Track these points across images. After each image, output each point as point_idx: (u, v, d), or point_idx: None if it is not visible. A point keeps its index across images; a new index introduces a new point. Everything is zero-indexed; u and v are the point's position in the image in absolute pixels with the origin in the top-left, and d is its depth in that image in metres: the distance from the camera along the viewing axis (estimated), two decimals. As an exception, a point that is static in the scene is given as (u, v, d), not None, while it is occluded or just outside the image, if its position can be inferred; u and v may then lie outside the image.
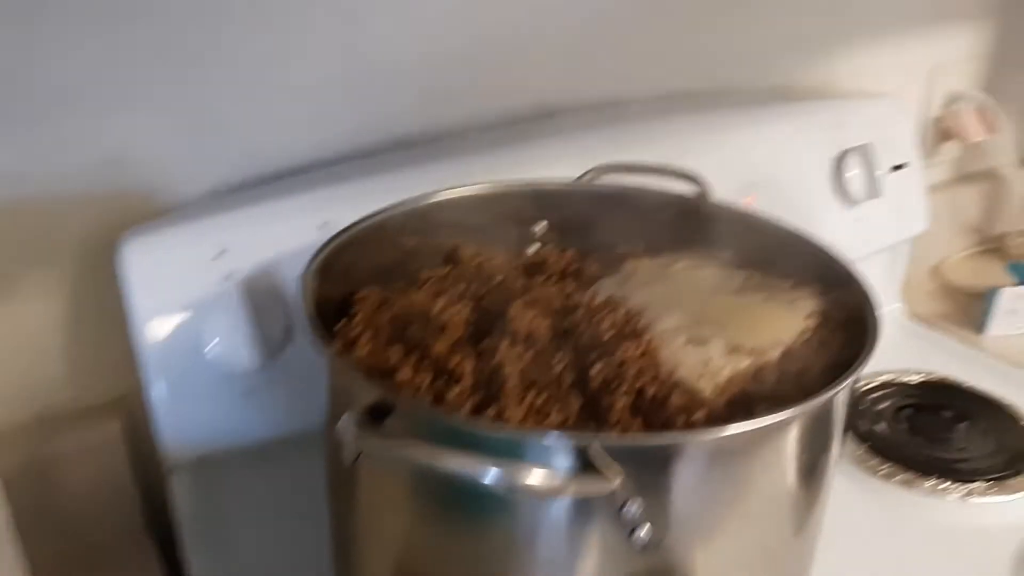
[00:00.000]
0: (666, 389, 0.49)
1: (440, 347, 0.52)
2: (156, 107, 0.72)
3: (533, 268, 0.64)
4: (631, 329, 0.55)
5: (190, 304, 0.69)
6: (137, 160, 0.72)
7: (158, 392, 0.70)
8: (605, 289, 0.60)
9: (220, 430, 0.72)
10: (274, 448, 0.72)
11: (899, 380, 0.90)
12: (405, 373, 0.49)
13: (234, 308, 0.68)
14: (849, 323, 0.55)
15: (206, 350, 0.69)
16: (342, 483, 0.53)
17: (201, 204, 0.75)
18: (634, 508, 0.42)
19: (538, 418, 0.47)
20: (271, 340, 0.69)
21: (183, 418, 0.71)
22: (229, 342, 0.68)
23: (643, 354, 0.52)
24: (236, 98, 0.74)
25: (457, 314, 0.56)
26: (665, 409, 0.48)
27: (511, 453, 0.42)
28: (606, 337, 0.53)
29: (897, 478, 0.77)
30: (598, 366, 0.51)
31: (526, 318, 0.55)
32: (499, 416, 0.47)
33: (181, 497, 0.73)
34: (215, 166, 0.76)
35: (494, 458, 0.39)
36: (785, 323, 0.53)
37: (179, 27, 0.70)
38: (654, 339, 0.53)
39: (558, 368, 0.51)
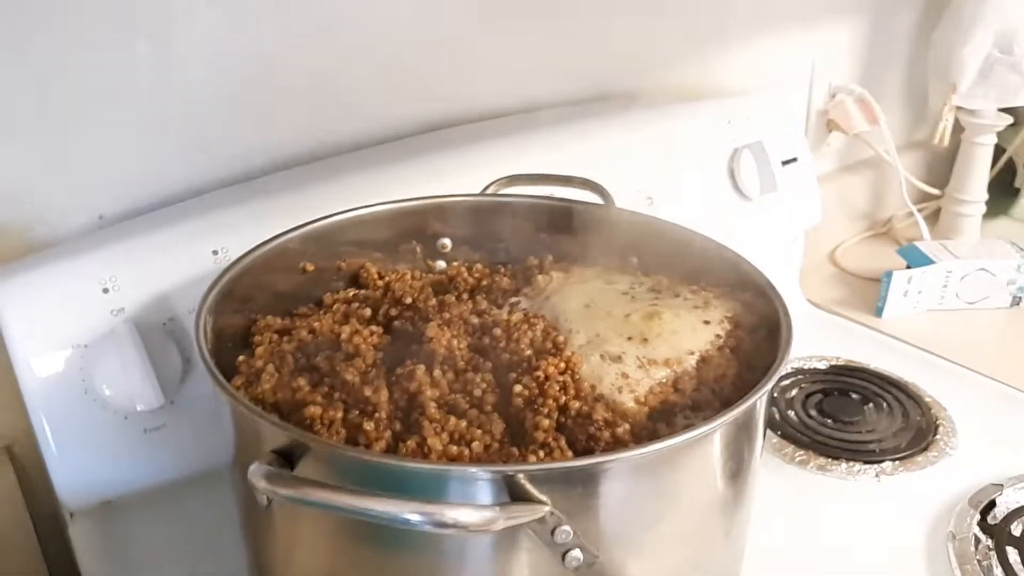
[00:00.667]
0: (589, 404, 0.48)
1: (351, 375, 0.51)
2: (26, 139, 0.67)
3: (443, 285, 0.63)
4: (551, 345, 0.54)
5: (77, 342, 0.65)
6: (7, 193, 0.68)
7: (47, 436, 0.65)
8: (519, 305, 0.58)
9: (120, 473, 0.68)
10: (180, 488, 0.69)
11: (806, 367, 0.92)
12: (315, 409, 0.47)
13: (126, 345, 0.64)
14: (760, 324, 0.55)
15: (98, 391, 0.65)
16: (256, 524, 0.51)
17: (83, 238, 0.70)
18: (566, 531, 0.41)
19: (460, 446, 0.46)
20: (169, 376, 0.65)
21: (78, 462, 0.67)
22: (122, 381, 0.64)
23: (564, 370, 0.51)
24: (109, 124, 0.70)
25: (366, 340, 0.54)
26: (589, 424, 0.47)
27: (434, 489, 0.40)
28: (526, 354, 0.53)
29: (811, 464, 0.79)
30: (520, 385, 0.50)
31: (443, 339, 0.53)
32: (419, 447, 0.46)
33: (82, 544, 0.69)
34: (96, 196, 0.72)
35: (416, 496, 0.38)
36: (697, 331, 0.53)
37: (45, 49, 0.65)
38: (574, 355, 0.52)
39: (479, 390, 0.50)
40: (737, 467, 0.48)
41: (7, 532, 0.72)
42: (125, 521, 0.69)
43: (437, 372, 0.51)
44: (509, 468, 0.40)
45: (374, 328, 0.56)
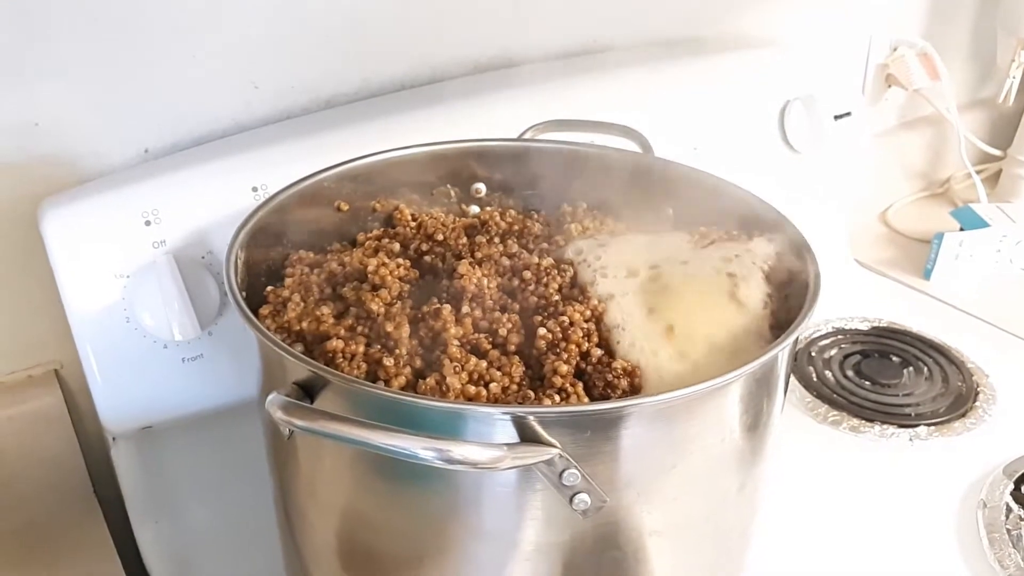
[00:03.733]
0: (610, 353, 0.48)
1: (376, 305, 0.51)
2: (76, 71, 0.68)
3: (475, 229, 0.63)
4: (579, 292, 0.54)
5: (120, 272, 0.67)
6: (58, 125, 0.69)
7: (92, 362, 0.68)
8: (552, 251, 0.58)
9: (160, 400, 0.70)
10: (216, 416, 0.71)
11: (847, 327, 0.91)
12: (337, 342, 0.48)
13: (166, 276, 0.65)
14: (792, 278, 0.54)
15: (139, 320, 0.67)
16: (281, 454, 0.52)
17: (128, 170, 0.72)
18: (574, 474, 0.41)
19: (479, 386, 0.47)
20: (206, 308, 0.67)
21: (120, 388, 0.69)
22: (162, 311, 0.66)
23: (590, 318, 0.51)
24: (159, 60, 0.71)
25: (392, 272, 0.55)
26: (608, 371, 0.48)
27: (447, 427, 0.41)
28: (553, 299, 0.53)
29: (844, 424, 0.78)
30: (545, 328, 0.50)
31: (474, 276, 0.54)
32: (439, 384, 0.46)
33: (124, 467, 0.72)
34: (141, 131, 0.73)
35: (430, 432, 0.38)
36: (724, 308, 0.52)
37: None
38: (600, 303, 0.52)
39: (505, 329, 0.51)
40: (754, 421, 0.47)
41: (56, 451, 0.75)
42: (164, 446, 0.72)
43: (465, 308, 0.51)
44: (519, 410, 0.40)
45: (401, 261, 0.57)
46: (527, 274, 0.55)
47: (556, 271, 0.55)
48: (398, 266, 0.56)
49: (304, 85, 0.78)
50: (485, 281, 0.54)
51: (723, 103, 0.88)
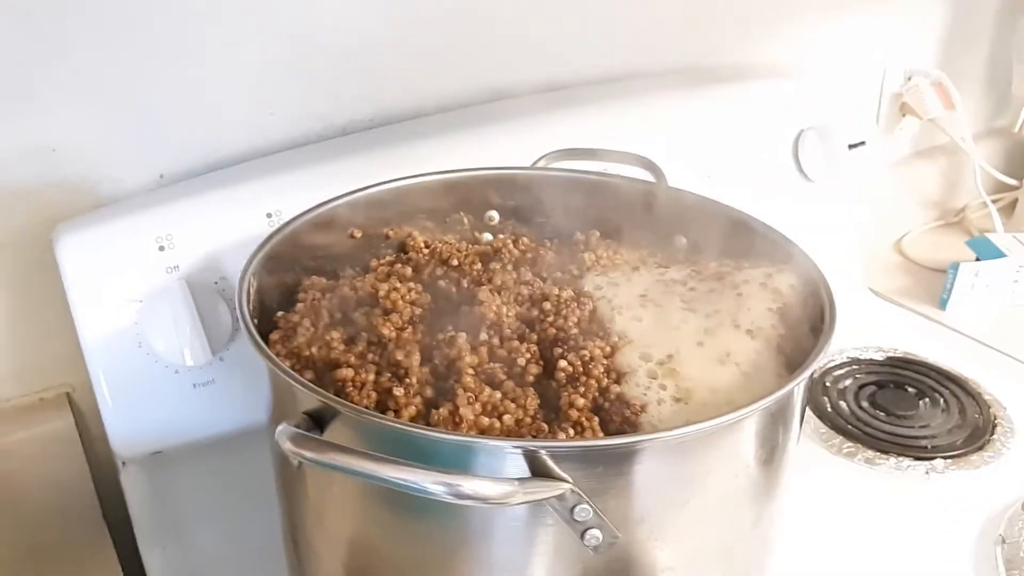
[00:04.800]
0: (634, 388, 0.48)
1: (387, 330, 0.51)
2: (92, 97, 0.69)
3: (488, 257, 0.62)
4: (598, 327, 0.54)
5: (133, 297, 0.67)
6: (73, 150, 0.70)
7: (103, 387, 0.68)
8: (570, 283, 0.58)
9: (170, 425, 0.70)
10: (226, 442, 0.71)
11: (863, 357, 0.90)
12: (347, 371, 0.48)
13: (179, 301, 0.66)
14: (809, 309, 0.54)
15: (151, 344, 0.67)
16: (290, 483, 0.52)
17: (143, 195, 0.72)
18: (586, 510, 0.41)
19: (492, 418, 0.46)
20: (218, 334, 0.67)
21: (131, 413, 0.69)
22: (174, 336, 0.66)
23: (610, 354, 0.51)
24: (175, 86, 0.71)
25: (404, 296, 0.55)
26: (626, 408, 0.47)
27: (457, 459, 0.41)
28: (572, 332, 0.53)
29: (859, 456, 0.77)
30: (566, 361, 0.50)
31: (494, 304, 0.54)
32: (452, 415, 0.46)
33: (133, 492, 0.72)
34: (158, 156, 0.73)
35: (440, 464, 0.38)
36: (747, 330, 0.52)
37: (114, 13, 0.67)
38: (620, 341, 0.52)
39: (523, 359, 0.50)
40: (769, 456, 0.47)
41: (65, 474, 0.74)
42: (174, 471, 0.72)
43: (483, 336, 0.51)
44: (531, 444, 0.40)
45: (412, 285, 0.56)
46: (547, 305, 0.55)
47: (576, 304, 0.55)
48: (409, 290, 0.56)
49: (319, 112, 0.79)
50: (504, 309, 0.54)
51: (737, 132, 0.88)
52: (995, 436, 0.80)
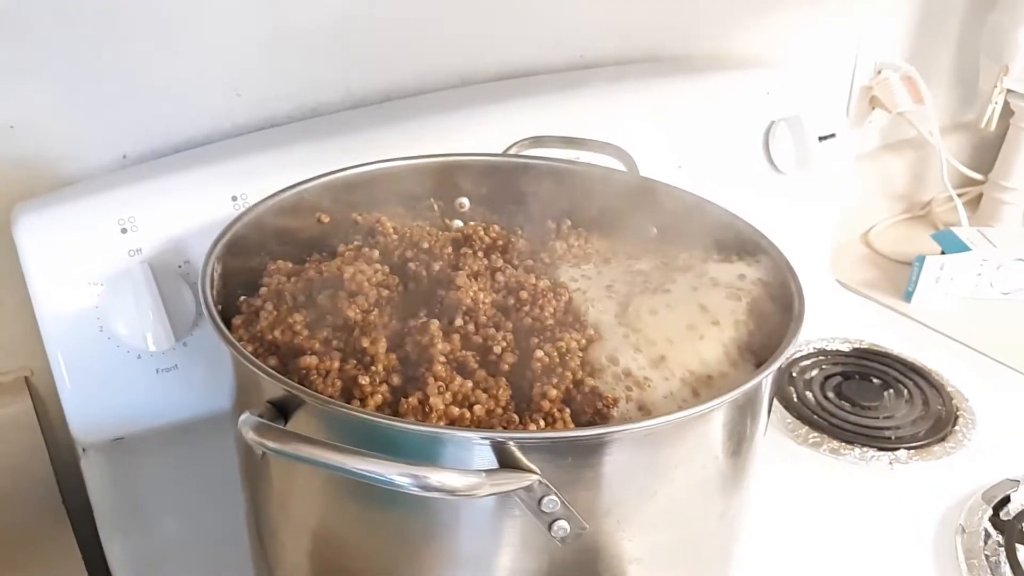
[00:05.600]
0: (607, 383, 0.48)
1: (352, 312, 0.50)
2: (56, 73, 0.67)
3: (458, 244, 0.62)
4: (573, 319, 0.53)
5: (94, 280, 0.65)
6: (33, 127, 0.68)
7: (63, 371, 0.66)
8: (545, 272, 0.58)
9: (132, 411, 0.69)
10: (189, 429, 0.70)
11: (829, 348, 0.91)
12: (311, 358, 0.47)
13: (142, 285, 0.64)
14: (778, 301, 0.54)
15: (112, 329, 0.65)
16: (254, 472, 0.51)
17: (105, 175, 0.71)
18: (553, 501, 0.41)
19: (463, 408, 0.46)
20: (181, 319, 0.66)
21: (91, 398, 0.68)
22: (136, 321, 0.64)
23: (585, 347, 0.51)
24: (139, 64, 0.70)
25: (370, 277, 0.54)
26: (598, 399, 0.47)
27: (424, 450, 0.40)
28: (548, 323, 0.52)
29: (824, 447, 0.78)
30: (542, 351, 0.49)
31: (471, 290, 0.53)
32: (421, 404, 0.45)
33: (94, 478, 0.71)
34: (119, 136, 0.72)
35: (406, 455, 0.38)
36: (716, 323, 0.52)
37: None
38: (595, 332, 0.52)
39: (499, 347, 0.50)
40: (736, 448, 0.47)
41: (23, 459, 0.73)
42: (135, 458, 0.71)
43: (459, 322, 0.50)
44: (499, 435, 0.39)
45: (379, 266, 0.55)
46: (523, 294, 0.54)
47: (552, 294, 0.55)
48: (376, 271, 0.55)
49: (287, 94, 0.77)
50: (481, 296, 0.53)
51: (709, 122, 0.88)
52: (957, 427, 0.81)
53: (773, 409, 0.81)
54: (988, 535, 0.68)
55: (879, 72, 1.13)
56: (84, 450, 0.71)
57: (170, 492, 0.70)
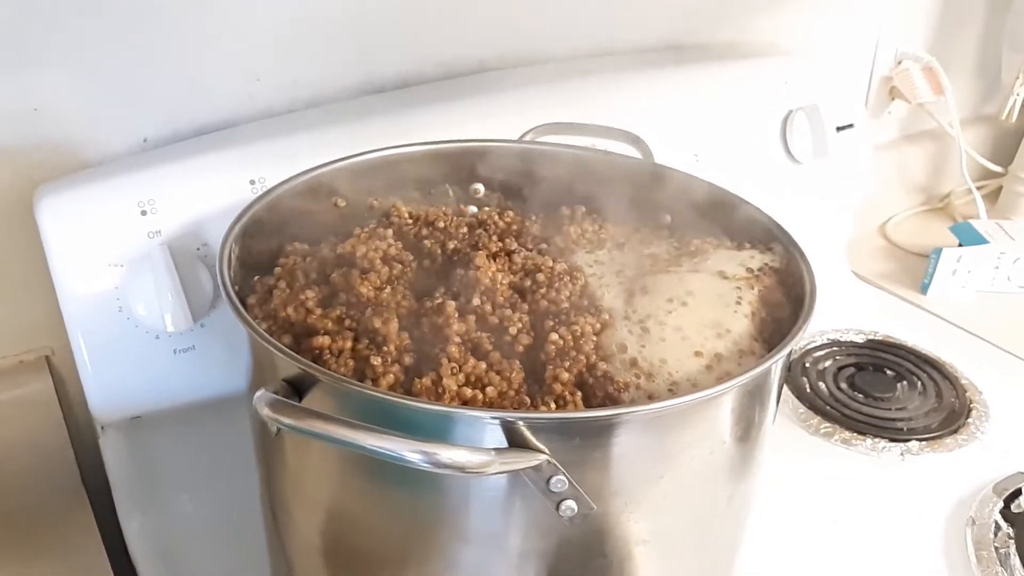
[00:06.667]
0: (614, 367, 0.48)
1: (365, 288, 0.51)
2: (79, 57, 0.68)
3: (473, 227, 0.62)
4: (588, 303, 0.54)
5: (115, 261, 0.67)
6: (58, 111, 0.69)
7: (83, 351, 0.68)
8: (562, 256, 0.58)
9: (150, 390, 0.70)
10: (206, 408, 0.71)
11: (843, 339, 0.91)
12: (323, 338, 0.48)
13: (161, 267, 0.65)
14: (790, 290, 0.54)
15: (132, 310, 0.66)
16: (268, 450, 0.52)
17: (127, 158, 0.72)
18: (561, 481, 0.41)
19: (475, 389, 0.46)
20: (199, 301, 0.67)
21: (111, 377, 0.69)
22: (155, 302, 0.65)
23: (600, 331, 0.51)
24: (161, 49, 0.71)
25: (385, 252, 0.54)
26: (610, 384, 0.47)
27: (436, 429, 0.41)
28: (563, 306, 0.52)
29: (836, 437, 0.78)
30: (557, 334, 0.49)
31: (489, 270, 0.53)
32: (434, 385, 0.46)
33: (112, 457, 0.72)
34: (142, 119, 0.73)
35: (418, 433, 0.38)
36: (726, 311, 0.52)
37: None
38: (609, 318, 0.52)
39: (515, 328, 0.50)
40: (745, 433, 0.47)
41: (43, 437, 0.74)
42: (153, 437, 0.72)
43: (476, 301, 0.50)
44: (509, 415, 0.40)
45: (392, 241, 0.56)
46: (540, 276, 0.54)
47: (568, 278, 0.55)
48: (389, 246, 0.55)
49: (306, 79, 0.78)
50: (499, 276, 0.53)
51: (726, 111, 0.88)
52: (970, 420, 0.81)
53: (786, 399, 0.82)
54: (998, 527, 0.68)
55: (899, 62, 1.12)
56: (103, 428, 0.72)
57: (186, 470, 0.71)
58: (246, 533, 0.62)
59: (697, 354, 0.50)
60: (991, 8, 1.19)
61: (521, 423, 0.40)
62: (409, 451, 0.37)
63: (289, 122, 0.75)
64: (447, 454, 0.37)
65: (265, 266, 0.58)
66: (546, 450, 0.40)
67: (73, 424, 0.76)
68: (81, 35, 0.67)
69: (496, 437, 0.40)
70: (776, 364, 0.46)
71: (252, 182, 0.68)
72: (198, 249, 0.68)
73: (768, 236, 0.58)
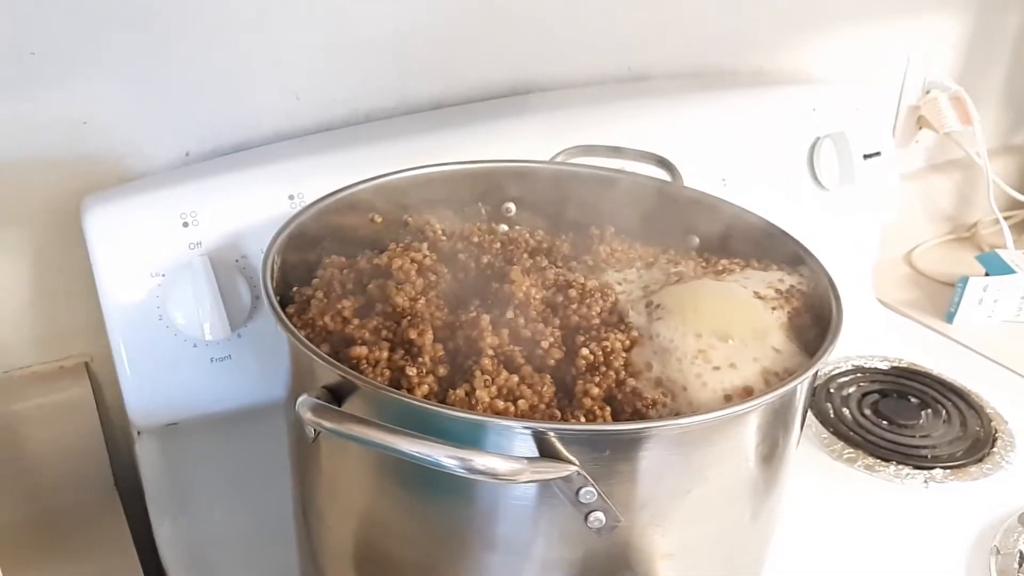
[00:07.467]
0: (646, 385, 0.49)
1: (401, 299, 0.52)
2: (126, 72, 0.70)
3: (505, 245, 0.64)
4: (618, 319, 0.54)
5: (156, 271, 0.68)
6: (105, 124, 0.71)
7: (123, 357, 0.69)
8: (593, 274, 0.59)
9: (187, 398, 0.72)
10: (240, 417, 0.72)
11: (867, 366, 0.91)
12: (360, 349, 0.49)
13: (201, 277, 0.67)
14: (816, 313, 0.55)
15: (171, 318, 0.68)
16: (304, 456, 0.53)
17: (170, 171, 0.74)
18: (591, 492, 0.42)
19: (507, 402, 0.47)
20: (237, 311, 0.68)
21: (149, 384, 0.70)
22: (194, 311, 0.67)
23: (629, 347, 0.52)
24: (205, 66, 0.73)
25: (421, 262, 0.56)
26: (638, 400, 0.48)
27: (469, 438, 0.42)
28: (594, 322, 0.53)
29: (859, 463, 0.78)
30: (587, 349, 0.50)
31: (524, 284, 0.54)
32: (468, 396, 0.47)
33: (147, 462, 0.74)
34: (185, 134, 0.75)
35: (452, 442, 0.39)
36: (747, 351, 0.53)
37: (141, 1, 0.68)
38: (638, 335, 0.53)
39: (547, 342, 0.51)
40: (770, 452, 0.48)
41: (81, 442, 0.76)
42: (188, 444, 0.74)
43: (510, 314, 0.52)
44: (540, 425, 0.41)
45: (427, 252, 0.57)
46: (572, 292, 0.55)
47: (600, 294, 0.56)
48: (424, 257, 0.57)
49: (344, 98, 0.80)
50: (533, 291, 0.55)
51: (754, 137, 0.89)
52: (995, 449, 0.81)
53: (809, 424, 0.82)
54: (1023, 557, 0.68)
55: (927, 92, 1.13)
56: (139, 434, 0.74)
57: (219, 477, 0.73)
58: (276, 541, 0.63)
59: (724, 377, 0.50)
60: (1020, 38, 1.20)
61: (552, 434, 0.41)
62: (445, 456, 0.38)
63: (327, 140, 0.77)
64: (481, 461, 0.39)
65: (303, 279, 0.59)
66: (576, 461, 0.41)
67: (108, 429, 0.77)
68: (128, 51, 0.70)
69: (528, 447, 0.41)
70: (802, 384, 0.47)
71: (291, 197, 0.70)
72: (237, 261, 0.69)
73: (795, 259, 0.58)
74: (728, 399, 0.48)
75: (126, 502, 0.75)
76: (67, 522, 0.73)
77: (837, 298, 0.53)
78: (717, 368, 0.49)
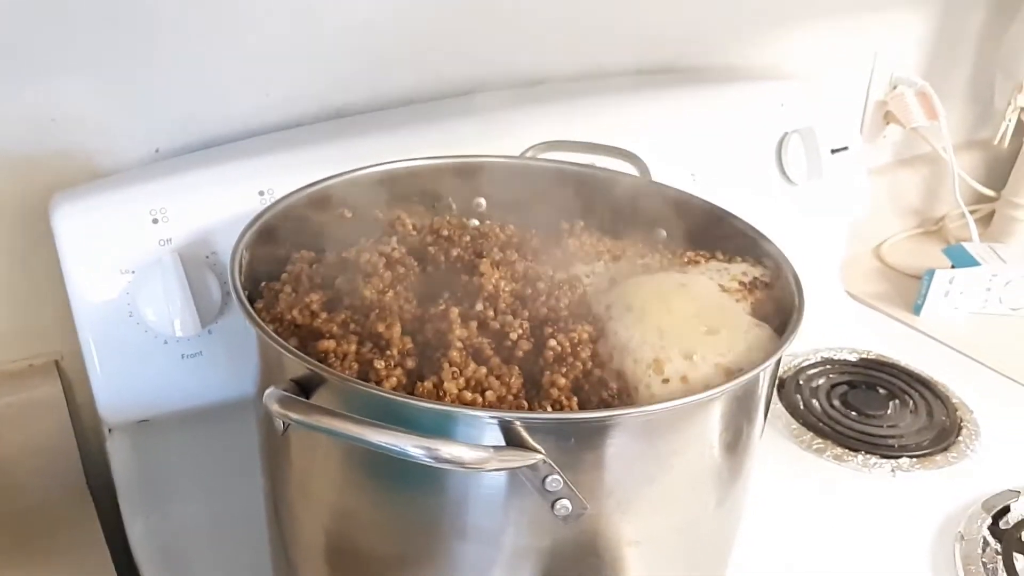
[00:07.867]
0: (609, 375, 0.50)
1: (369, 292, 0.52)
2: (94, 69, 0.70)
3: (475, 239, 0.64)
4: (586, 311, 0.55)
5: (126, 268, 0.68)
6: (72, 121, 0.71)
7: (93, 355, 0.69)
8: (561, 267, 0.60)
9: (158, 394, 0.72)
10: (212, 413, 0.72)
11: (836, 358, 0.93)
12: (329, 342, 0.49)
13: (171, 273, 0.67)
14: (780, 304, 0.56)
15: (142, 315, 0.68)
16: (274, 449, 0.53)
17: (140, 168, 0.74)
18: (556, 480, 0.43)
19: (475, 393, 0.47)
20: (207, 307, 0.68)
21: (119, 381, 0.70)
22: (164, 307, 0.67)
23: (597, 338, 0.52)
24: (174, 63, 0.73)
25: (390, 253, 0.56)
26: (604, 389, 0.49)
27: (437, 428, 0.42)
28: (562, 314, 0.54)
29: (828, 453, 0.80)
30: (555, 340, 0.51)
31: (493, 277, 0.55)
32: (436, 388, 0.47)
33: (119, 459, 0.73)
34: (154, 131, 0.75)
35: (420, 432, 0.40)
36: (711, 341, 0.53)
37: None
38: (607, 326, 0.53)
39: (515, 334, 0.51)
40: (734, 440, 0.49)
41: (51, 440, 0.76)
42: (159, 440, 0.73)
43: (479, 307, 0.52)
44: (506, 415, 0.41)
45: (395, 245, 0.57)
46: (540, 284, 0.56)
47: (568, 287, 0.56)
48: (393, 250, 0.57)
49: (315, 94, 0.80)
50: (502, 284, 0.55)
51: (723, 132, 0.90)
52: (960, 438, 0.82)
53: (779, 415, 0.83)
54: (987, 543, 0.70)
55: (894, 87, 1.15)
56: (110, 431, 0.74)
57: (191, 473, 0.73)
58: (249, 536, 0.63)
59: (689, 367, 0.51)
60: (985, 35, 1.22)
61: (518, 423, 0.41)
62: (412, 446, 0.39)
63: (297, 135, 0.77)
64: (448, 450, 0.39)
65: (272, 274, 0.59)
66: (542, 450, 0.42)
67: (79, 427, 0.77)
68: (97, 48, 0.69)
69: (495, 436, 0.42)
70: (764, 372, 0.48)
71: (261, 193, 0.70)
72: (207, 257, 0.69)
73: (759, 251, 0.59)
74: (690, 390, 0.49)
75: (98, 500, 0.75)
76: (38, 521, 0.73)
77: (799, 287, 0.53)
78: (672, 361, 0.50)
